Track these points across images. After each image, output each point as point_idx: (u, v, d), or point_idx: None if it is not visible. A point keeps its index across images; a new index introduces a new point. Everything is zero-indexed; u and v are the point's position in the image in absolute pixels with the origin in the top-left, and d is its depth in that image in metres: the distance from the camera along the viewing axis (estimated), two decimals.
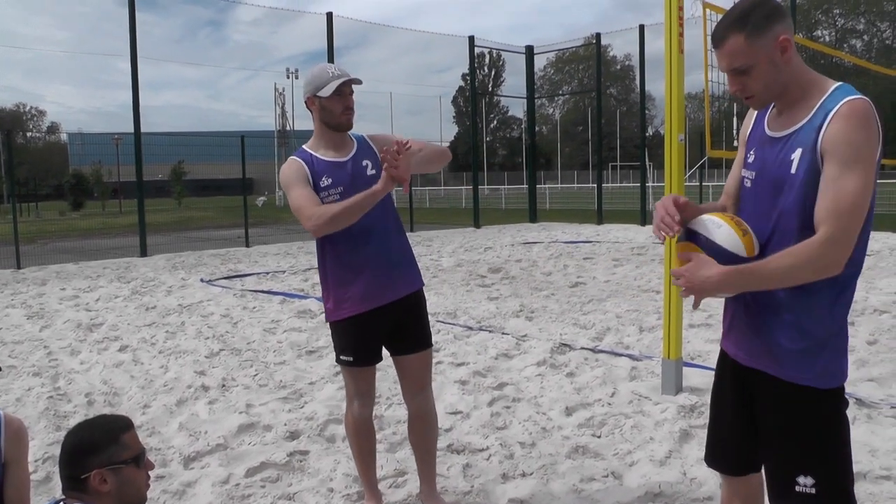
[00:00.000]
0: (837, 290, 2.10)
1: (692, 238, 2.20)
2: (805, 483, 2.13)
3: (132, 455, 2.23)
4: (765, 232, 2.19)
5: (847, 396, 2.21)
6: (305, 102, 3.31)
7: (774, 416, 2.20)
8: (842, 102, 2.02)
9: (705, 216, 2.21)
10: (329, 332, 3.52)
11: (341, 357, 3.39)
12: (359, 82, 3.28)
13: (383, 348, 3.44)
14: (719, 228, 2.14)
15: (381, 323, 3.32)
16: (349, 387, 3.46)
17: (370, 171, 3.30)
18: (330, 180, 3.24)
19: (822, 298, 2.10)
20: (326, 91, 3.19)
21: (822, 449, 2.13)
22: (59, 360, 6.62)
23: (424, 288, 3.50)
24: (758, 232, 2.19)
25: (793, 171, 2.09)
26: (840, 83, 2.10)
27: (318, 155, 3.31)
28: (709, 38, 2.31)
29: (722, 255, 2.12)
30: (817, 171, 2.04)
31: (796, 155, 2.09)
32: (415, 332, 3.42)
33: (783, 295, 2.15)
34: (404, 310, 3.36)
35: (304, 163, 3.29)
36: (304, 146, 3.39)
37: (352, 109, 3.27)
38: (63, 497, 2.23)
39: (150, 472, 2.35)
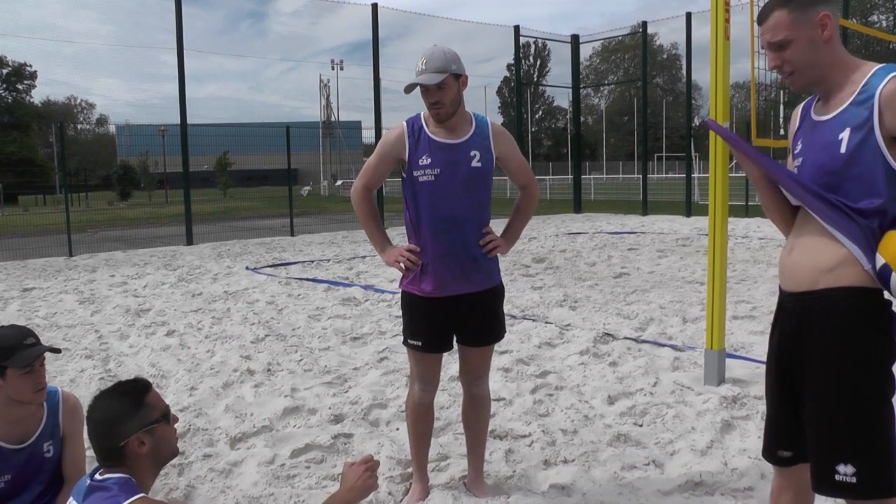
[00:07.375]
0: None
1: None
2: (845, 472, 2.11)
3: (161, 413, 2.30)
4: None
5: None
6: None
7: (817, 400, 2.18)
8: (889, 77, 2.02)
9: None
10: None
11: (409, 341, 3.35)
12: (416, 87, 3.12)
13: (454, 336, 3.39)
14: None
15: (453, 311, 3.28)
16: (413, 369, 3.44)
17: (475, 163, 3.20)
18: (429, 160, 3.16)
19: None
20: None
21: (863, 436, 2.10)
22: (109, 344, 6.80)
23: None
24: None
25: (842, 150, 2.09)
26: (883, 64, 2.10)
27: (428, 130, 3.21)
28: (755, 26, 2.34)
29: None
30: (872, 146, 2.05)
31: (844, 135, 2.09)
32: (484, 327, 3.37)
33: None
34: (478, 303, 3.30)
35: (406, 133, 3.22)
36: (423, 112, 3.27)
37: (440, 103, 3.12)
38: (101, 468, 2.25)
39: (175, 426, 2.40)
